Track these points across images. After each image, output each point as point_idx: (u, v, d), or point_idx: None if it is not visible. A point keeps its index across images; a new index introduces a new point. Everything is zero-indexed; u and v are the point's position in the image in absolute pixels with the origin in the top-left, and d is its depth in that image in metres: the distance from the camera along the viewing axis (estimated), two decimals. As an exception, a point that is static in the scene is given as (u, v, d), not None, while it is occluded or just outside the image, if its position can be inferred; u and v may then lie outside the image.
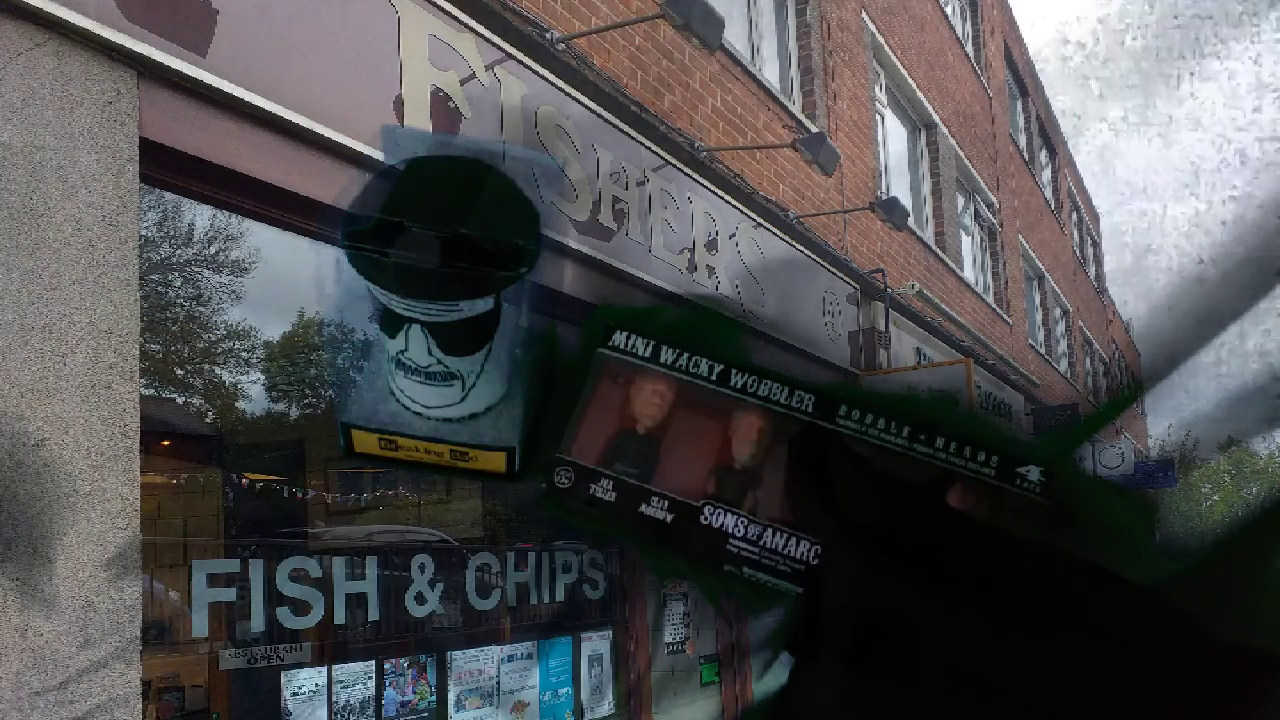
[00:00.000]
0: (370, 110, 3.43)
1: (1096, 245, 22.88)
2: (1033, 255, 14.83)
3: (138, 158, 2.75)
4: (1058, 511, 0.34)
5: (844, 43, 7.99)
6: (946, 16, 11.29)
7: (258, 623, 3.33)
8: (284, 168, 3.16)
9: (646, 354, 0.40)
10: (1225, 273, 0.31)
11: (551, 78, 4.38)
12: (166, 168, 2.92)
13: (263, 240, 3.58)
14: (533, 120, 4.28)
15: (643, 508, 0.38)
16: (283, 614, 3.40)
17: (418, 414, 0.44)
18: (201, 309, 3.91)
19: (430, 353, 0.42)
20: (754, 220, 6.07)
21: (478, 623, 4.22)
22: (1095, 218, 23.05)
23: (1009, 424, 0.37)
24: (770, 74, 6.97)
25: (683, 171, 5.35)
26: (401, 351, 0.43)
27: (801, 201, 6.84)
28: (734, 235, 5.81)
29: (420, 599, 3.92)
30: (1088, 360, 18.98)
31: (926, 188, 10.37)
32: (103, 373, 2.59)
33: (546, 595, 4.57)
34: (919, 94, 9.94)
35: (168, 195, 3.17)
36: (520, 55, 4.18)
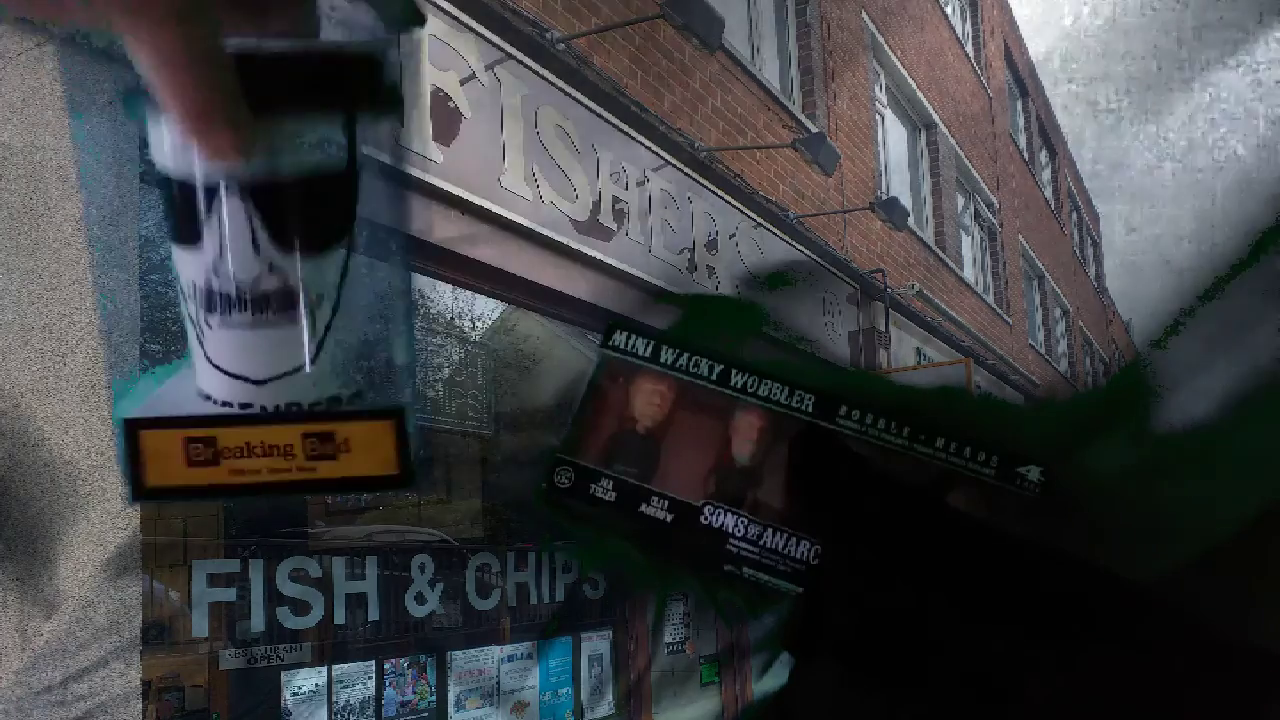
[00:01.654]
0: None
1: (1096, 245, 22.88)
2: (1033, 255, 14.83)
3: (138, 158, 2.75)
4: (1058, 511, 0.34)
5: (844, 43, 7.99)
6: (946, 16, 11.28)
7: (258, 623, 3.33)
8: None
9: (647, 353, 0.40)
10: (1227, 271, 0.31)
11: (551, 78, 4.38)
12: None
13: (263, 240, 3.58)
14: (533, 120, 4.28)
15: (643, 507, 0.38)
16: (283, 614, 3.40)
17: (241, 380, 0.32)
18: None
19: (255, 246, 0.30)
20: (754, 220, 6.07)
21: (478, 623, 4.22)
22: (1095, 218, 23.05)
23: (1015, 407, 0.37)
24: (770, 74, 6.97)
25: (683, 171, 5.35)
26: (214, 263, 0.31)
27: (801, 202, 6.84)
28: (734, 235, 5.81)
29: (420, 599, 3.92)
30: (1088, 360, 18.97)
31: (926, 188, 10.37)
32: (103, 373, 2.59)
33: (546, 595, 4.57)
34: (919, 94, 9.93)
35: (168, 195, 3.17)
36: (520, 55, 4.18)
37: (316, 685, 3.47)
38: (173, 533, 3.43)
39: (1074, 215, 20.00)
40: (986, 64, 13.04)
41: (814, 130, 6.99)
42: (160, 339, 3.67)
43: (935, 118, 10.37)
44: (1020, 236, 14.00)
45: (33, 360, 2.44)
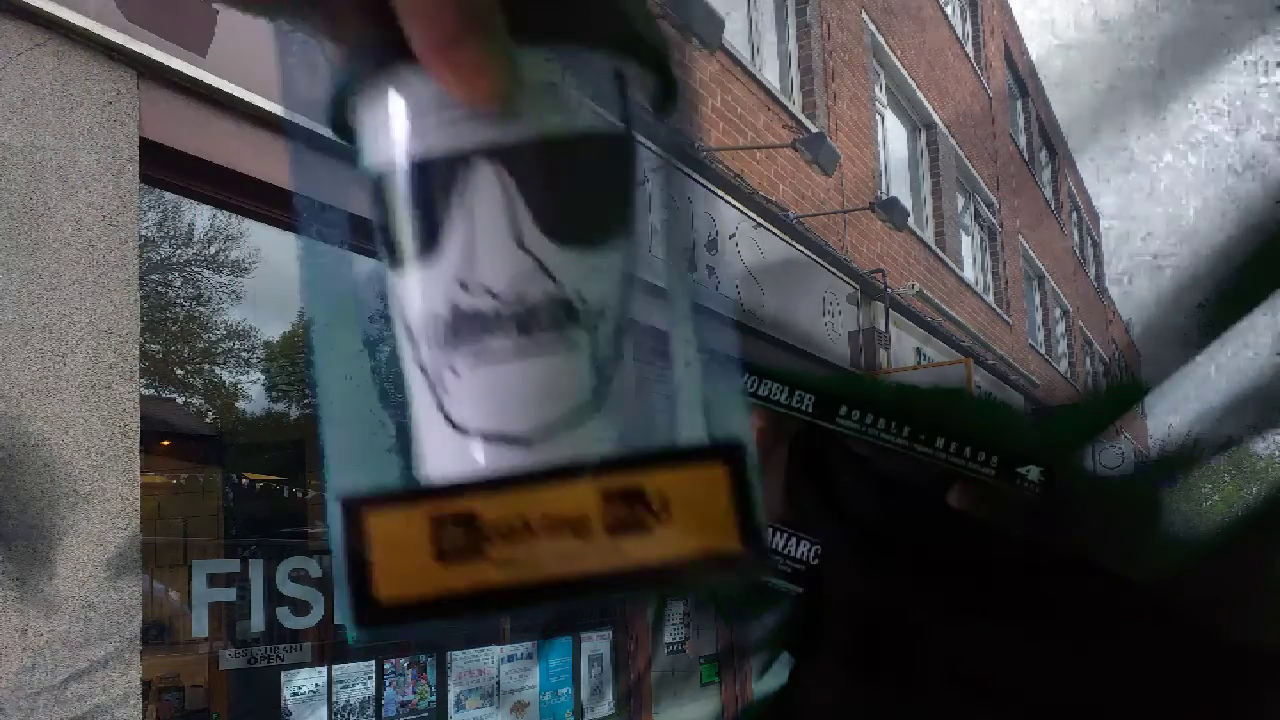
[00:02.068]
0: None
1: (1096, 245, 22.87)
2: (1033, 255, 14.83)
3: (138, 158, 2.75)
4: (1058, 511, 0.34)
5: (844, 43, 7.99)
6: (946, 16, 11.28)
7: (258, 623, 3.33)
8: (284, 168, 3.15)
9: None
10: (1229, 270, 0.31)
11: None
12: (166, 168, 2.92)
13: (263, 240, 3.58)
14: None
15: None
16: (283, 614, 3.39)
17: (503, 442, 0.23)
18: (201, 309, 3.91)
19: (519, 236, 0.22)
20: (754, 220, 6.07)
21: (477, 623, 4.21)
22: (1095, 218, 23.04)
23: (1015, 409, 0.37)
24: (770, 74, 6.97)
25: (683, 171, 5.34)
26: (461, 271, 0.23)
27: (801, 202, 6.84)
28: (734, 235, 5.81)
29: (420, 599, 3.92)
30: (1088, 360, 18.97)
31: (926, 188, 10.37)
32: (103, 373, 2.59)
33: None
34: (919, 94, 9.93)
35: (168, 195, 3.17)
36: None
37: (316, 685, 3.47)
38: (173, 533, 3.43)
39: (1074, 215, 20.00)
40: (986, 64, 13.03)
41: (814, 130, 6.99)
42: (160, 339, 3.67)
43: (935, 118, 10.37)
44: (1020, 236, 14.00)
45: (33, 360, 2.44)
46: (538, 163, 0.23)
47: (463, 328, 0.23)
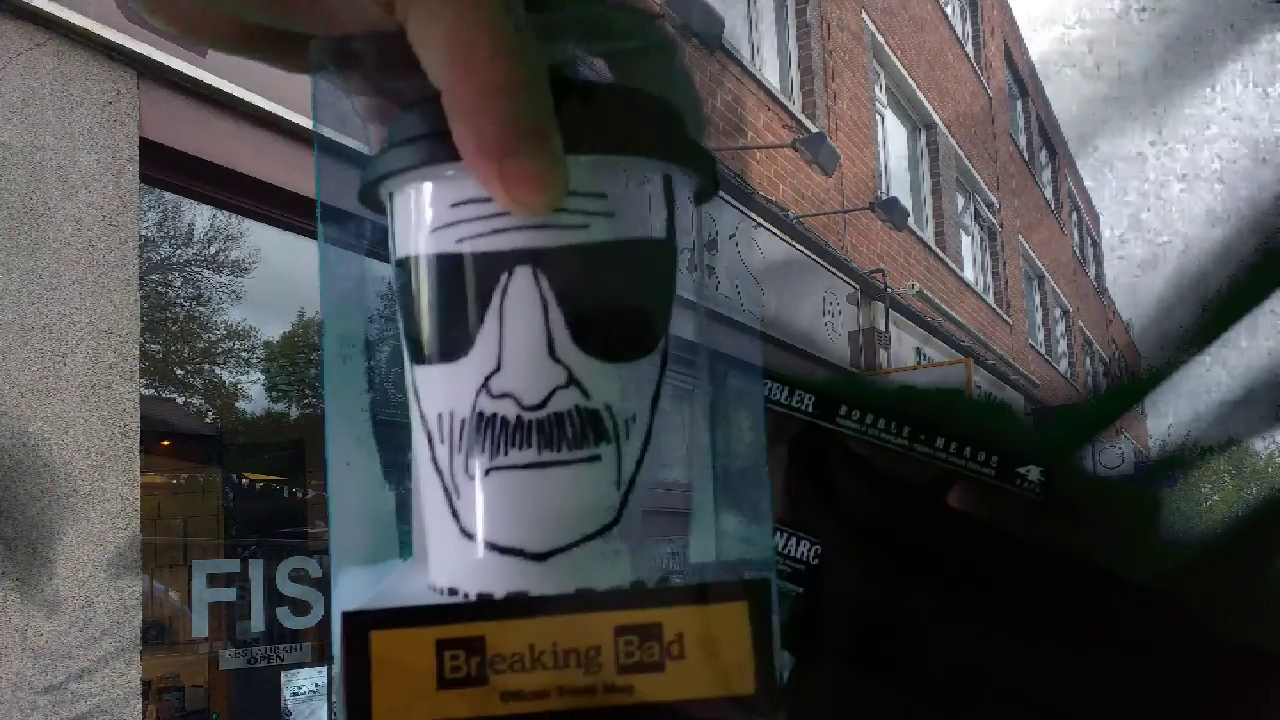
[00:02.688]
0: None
1: (1096, 245, 22.87)
2: (1033, 255, 14.83)
3: (138, 158, 2.75)
4: (1059, 511, 0.34)
5: (844, 43, 7.99)
6: (946, 16, 11.28)
7: (258, 623, 3.33)
8: (284, 168, 3.16)
9: None
10: (1230, 270, 0.31)
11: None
12: (166, 168, 2.92)
13: (263, 240, 3.58)
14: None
15: None
16: (283, 614, 3.39)
17: (515, 556, 0.22)
18: (201, 309, 3.91)
19: (551, 346, 0.22)
20: (754, 220, 6.07)
21: None
22: (1095, 218, 23.04)
23: (1015, 409, 0.37)
24: (770, 74, 6.97)
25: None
26: (487, 377, 0.22)
27: (801, 202, 6.84)
28: (734, 235, 5.80)
29: (420, 599, 3.92)
30: (1088, 360, 18.97)
31: (926, 188, 10.37)
32: (103, 373, 2.59)
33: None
34: (919, 94, 9.93)
35: (168, 195, 3.17)
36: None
37: (316, 685, 3.47)
38: (173, 533, 3.43)
39: (1074, 215, 20.00)
40: (986, 64, 13.03)
41: (814, 130, 6.99)
42: (160, 339, 3.67)
43: (935, 118, 10.37)
44: (1020, 236, 14.00)
45: (33, 360, 2.44)
46: (576, 271, 0.22)
47: (485, 433, 0.22)
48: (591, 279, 0.22)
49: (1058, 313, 17.00)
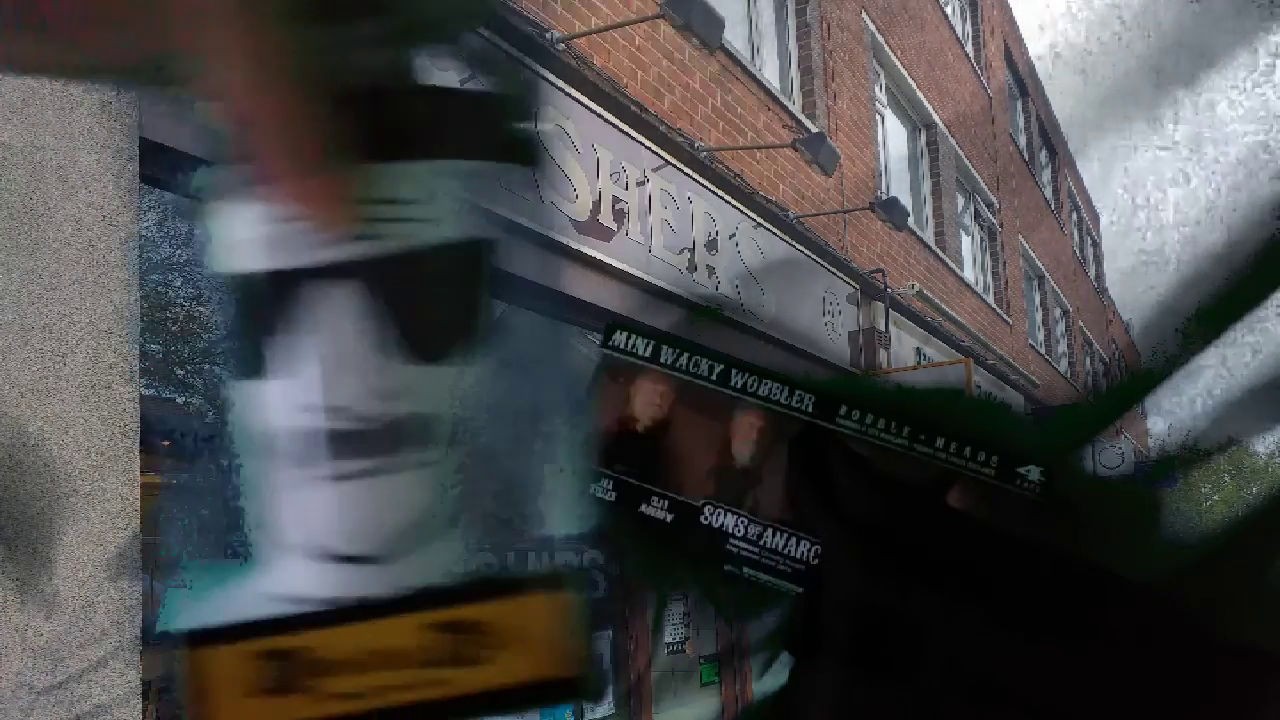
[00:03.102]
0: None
1: (1096, 245, 22.87)
2: (1033, 255, 14.83)
3: (138, 158, 2.75)
4: (1059, 511, 0.34)
5: (844, 43, 7.99)
6: (946, 16, 11.28)
7: (258, 623, 3.33)
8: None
9: (647, 353, 0.40)
10: (1231, 269, 0.31)
11: (551, 78, 4.38)
12: (166, 168, 2.91)
13: (263, 240, 3.58)
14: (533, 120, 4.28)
15: (643, 507, 0.38)
16: (283, 614, 3.40)
17: (352, 563, 0.22)
18: (201, 309, 3.91)
19: (375, 354, 0.21)
20: (754, 220, 6.07)
21: None
22: (1095, 218, 23.05)
23: (1015, 409, 0.37)
24: (770, 74, 6.97)
25: (683, 171, 5.34)
26: (314, 389, 0.22)
27: (801, 202, 6.84)
28: (734, 235, 5.81)
29: (420, 599, 3.92)
30: (1088, 360, 18.97)
31: (926, 188, 10.37)
32: (103, 373, 2.59)
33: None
34: (919, 94, 9.93)
35: (168, 195, 3.17)
36: (520, 55, 4.18)
37: (316, 685, 3.48)
38: (173, 533, 3.42)
39: (1074, 215, 20.00)
40: (986, 64, 13.03)
41: (814, 130, 6.99)
42: (160, 339, 3.67)
43: (935, 118, 10.37)
44: (1020, 236, 14.00)
45: (33, 360, 2.44)
46: (393, 279, 0.22)
47: (316, 446, 0.22)
48: (408, 286, 0.22)
49: (1058, 313, 17.00)
